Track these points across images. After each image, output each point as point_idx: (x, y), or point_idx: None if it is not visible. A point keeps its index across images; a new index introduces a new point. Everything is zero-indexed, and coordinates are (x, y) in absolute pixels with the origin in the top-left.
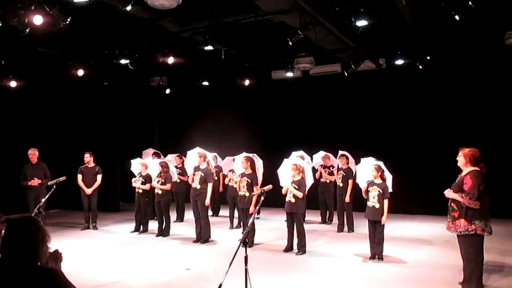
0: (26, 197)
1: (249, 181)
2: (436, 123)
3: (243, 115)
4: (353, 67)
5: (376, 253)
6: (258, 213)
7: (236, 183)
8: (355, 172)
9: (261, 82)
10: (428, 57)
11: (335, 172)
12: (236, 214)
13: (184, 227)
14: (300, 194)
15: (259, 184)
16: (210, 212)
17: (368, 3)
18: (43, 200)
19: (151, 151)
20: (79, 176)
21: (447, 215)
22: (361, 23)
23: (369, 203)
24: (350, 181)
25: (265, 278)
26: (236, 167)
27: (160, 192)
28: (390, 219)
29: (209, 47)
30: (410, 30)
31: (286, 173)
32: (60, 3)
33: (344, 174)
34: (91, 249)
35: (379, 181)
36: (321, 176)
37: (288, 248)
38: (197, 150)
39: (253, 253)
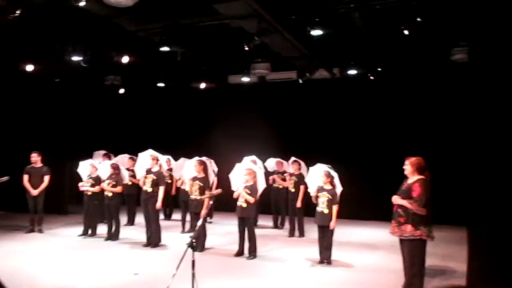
0: None
1: (201, 185)
2: (385, 132)
3: (198, 118)
4: (308, 75)
5: (325, 258)
6: (211, 217)
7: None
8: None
9: (217, 85)
10: (379, 69)
11: (287, 177)
12: (188, 218)
13: (135, 231)
14: (252, 199)
15: (213, 189)
16: (162, 216)
17: (323, 14)
18: None
19: (101, 152)
20: (25, 177)
21: (393, 220)
22: (316, 32)
23: (319, 209)
24: (302, 187)
25: (214, 283)
26: (188, 170)
27: (110, 194)
28: (340, 224)
29: (166, 48)
30: (363, 42)
31: (238, 177)
32: None
33: (296, 179)
34: (36, 253)
35: (328, 187)
36: (273, 181)
37: (239, 253)
38: (150, 152)
39: (204, 257)
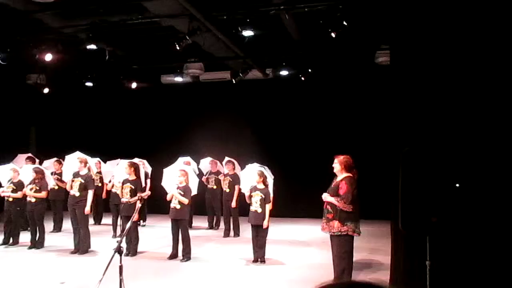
0: None
1: (133, 187)
2: (316, 132)
3: (130, 118)
4: (241, 75)
5: (259, 257)
6: (144, 220)
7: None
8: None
9: (150, 85)
10: (310, 70)
11: (221, 178)
12: (119, 222)
13: (62, 238)
14: (185, 200)
15: (146, 190)
16: (91, 221)
17: (254, 15)
18: None
19: (24, 155)
20: None
21: (323, 217)
22: (248, 33)
23: (252, 208)
24: (237, 187)
25: (147, 287)
26: (119, 173)
27: (33, 200)
28: (274, 222)
29: (93, 46)
30: (294, 43)
31: (171, 179)
32: None
33: (231, 180)
34: None
35: (261, 186)
36: (208, 182)
37: (173, 255)
38: (77, 154)
39: (136, 262)
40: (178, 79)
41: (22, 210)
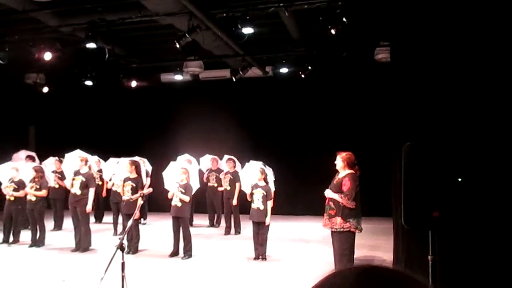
0: None
1: (134, 185)
2: (316, 129)
3: (129, 117)
4: (241, 73)
5: (260, 254)
6: (145, 218)
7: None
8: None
9: (150, 84)
10: (310, 67)
11: (222, 175)
12: (120, 220)
13: (62, 236)
14: (186, 198)
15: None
16: (92, 219)
17: (254, 12)
18: None
19: (23, 154)
20: None
21: (324, 213)
22: (247, 30)
23: (254, 205)
24: (237, 184)
25: (148, 284)
26: (120, 171)
27: (33, 199)
28: (275, 220)
29: (92, 45)
30: (293, 41)
31: (171, 176)
32: None
33: (232, 177)
34: None
35: (262, 183)
36: (208, 179)
37: (174, 253)
38: (78, 153)
39: (137, 260)
40: (178, 77)
41: (22, 209)
